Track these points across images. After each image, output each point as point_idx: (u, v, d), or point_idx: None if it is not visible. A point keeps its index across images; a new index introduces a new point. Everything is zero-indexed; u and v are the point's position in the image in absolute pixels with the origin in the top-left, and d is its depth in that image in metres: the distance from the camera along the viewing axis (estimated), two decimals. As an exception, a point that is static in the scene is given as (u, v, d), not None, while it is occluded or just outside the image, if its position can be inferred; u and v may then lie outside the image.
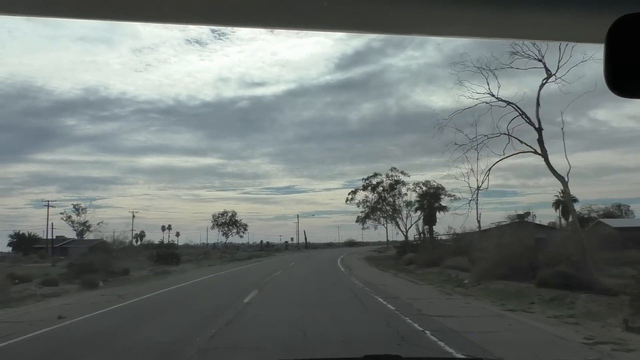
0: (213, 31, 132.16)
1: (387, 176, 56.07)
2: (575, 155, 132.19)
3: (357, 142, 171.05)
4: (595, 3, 1.02)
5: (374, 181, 56.37)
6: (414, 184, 54.53)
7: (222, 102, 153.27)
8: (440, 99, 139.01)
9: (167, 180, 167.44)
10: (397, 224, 55.57)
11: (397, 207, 54.84)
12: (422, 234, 59.57)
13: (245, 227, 58.90)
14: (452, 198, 52.18)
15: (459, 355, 6.70)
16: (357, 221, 62.37)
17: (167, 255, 40.46)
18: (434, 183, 55.54)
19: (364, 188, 54.68)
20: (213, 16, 1.21)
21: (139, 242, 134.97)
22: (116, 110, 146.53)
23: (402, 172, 55.47)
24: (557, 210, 65.20)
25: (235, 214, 56.87)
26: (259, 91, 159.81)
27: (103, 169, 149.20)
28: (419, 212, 57.23)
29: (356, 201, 60.05)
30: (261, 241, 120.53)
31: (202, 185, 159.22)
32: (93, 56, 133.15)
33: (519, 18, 1.14)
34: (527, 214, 52.92)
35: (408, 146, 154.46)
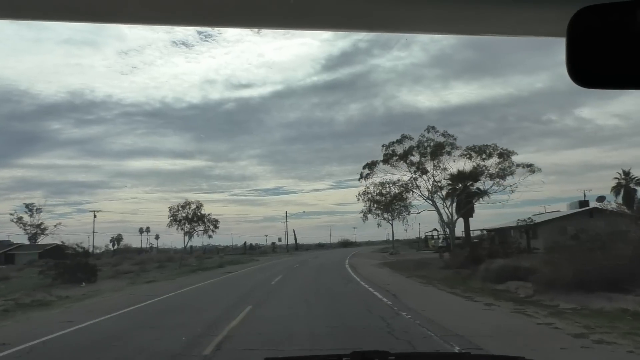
0: (199, 33, 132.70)
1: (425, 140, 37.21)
2: (561, 153, 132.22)
3: (344, 143, 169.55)
4: None
5: (400, 150, 37.60)
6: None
7: (208, 104, 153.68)
8: (426, 99, 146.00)
9: (155, 183, 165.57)
10: (439, 212, 39.33)
11: (438, 185, 38.16)
12: (447, 230, 45.32)
13: (215, 223, 43.49)
14: (495, 182, 37.94)
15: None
16: (365, 214, 48.36)
17: (79, 267, 25.12)
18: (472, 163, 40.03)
19: (387, 159, 37.92)
20: (197, 17, 1.22)
21: (115, 247, 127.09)
22: (102, 114, 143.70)
23: (444, 134, 37.27)
24: (618, 197, 51.04)
25: (201, 205, 41.59)
26: (245, 93, 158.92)
27: (89, 173, 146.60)
28: (448, 201, 42.49)
29: (367, 188, 45.38)
30: (244, 243, 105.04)
31: (190, 188, 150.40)
32: (78, 59, 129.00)
33: (480, 13, 1.15)
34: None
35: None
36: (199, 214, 42.37)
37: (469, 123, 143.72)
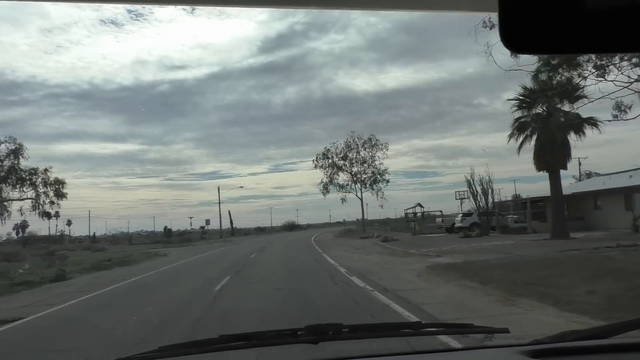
0: (129, 12, 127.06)
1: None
2: (491, 136, 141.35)
3: (282, 126, 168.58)
4: None
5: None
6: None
7: (141, 86, 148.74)
8: (363, 82, 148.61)
9: (85, 168, 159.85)
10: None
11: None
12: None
13: (58, 187, 21.45)
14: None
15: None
16: (326, 185, 54.69)
17: None
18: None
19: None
20: None
21: (19, 235, 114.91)
22: (25, 95, 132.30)
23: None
24: None
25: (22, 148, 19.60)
26: (180, 74, 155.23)
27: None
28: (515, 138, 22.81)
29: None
30: (165, 227, 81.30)
31: (123, 173, 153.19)
32: None
33: None
34: None
35: (333, 129, 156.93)
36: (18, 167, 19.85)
37: (404, 107, 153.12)
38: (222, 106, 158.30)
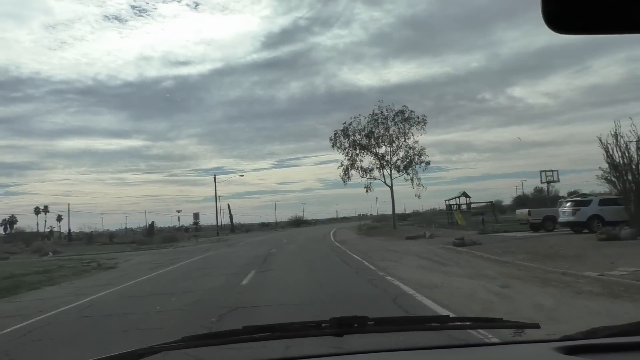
0: (133, 7, 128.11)
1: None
2: (494, 131, 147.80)
3: (286, 121, 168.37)
4: None
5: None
6: None
7: (145, 82, 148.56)
8: (366, 77, 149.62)
9: (89, 164, 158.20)
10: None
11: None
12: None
13: None
14: None
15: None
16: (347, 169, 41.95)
17: None
18: None
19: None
20: None
21: (7, 231, 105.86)
22: (29, 91, 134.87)
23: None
24: None
25: None
26: (184, 70, 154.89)
27: (18, 153, 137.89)
28: None
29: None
30: (149, 224, 68.62)
31: (127, 169, 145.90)
32: (1, 32, 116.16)
33: None
34: None
35: (337, 124, 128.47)
36: None
37: (408, 101, 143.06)
38: (226, 102, 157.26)
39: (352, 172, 45.68)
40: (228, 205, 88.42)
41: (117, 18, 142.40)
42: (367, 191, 45.93)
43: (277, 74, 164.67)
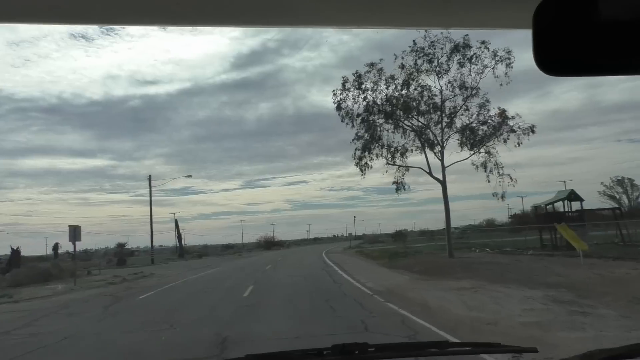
0: (100, 26, 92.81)
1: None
2: (461, 153, 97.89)
3: (254, 142, 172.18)
4: None
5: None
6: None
7: (111, 101, 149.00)
8: (335, 99, 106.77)
9: (52, 183, 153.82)
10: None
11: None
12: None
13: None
14: None
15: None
16: (361, 154, 25.25)
17: None
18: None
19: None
20: (96, 15, 1.09)
21: None
22: None
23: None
24: None
25: None
26: (151, 90, 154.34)
27: None
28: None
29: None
30: (55, 245, 45.99)
31: (91, 188, 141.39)
32: None
33: (443, 5, 1.08)
34: None
35: (305, 145, 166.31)
36: None
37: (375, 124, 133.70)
38: (195, 122, 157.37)
39: (373, 156, 25.92)
40: (175, 220, 67.01)
41: (83, 36, 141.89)
42: (398, 190, 26.19)
43: (246, 94, 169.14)
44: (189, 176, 45.98)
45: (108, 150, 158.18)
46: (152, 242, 47.65)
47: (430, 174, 25.55)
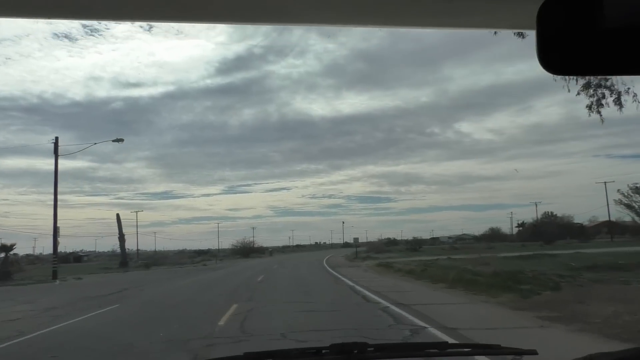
0: (84, 26, 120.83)
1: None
2: (442, 165, 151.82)
3: (237, 148, 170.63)
4: None
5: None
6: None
7: (93, 102, 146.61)
8: (319, 107, 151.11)
9: (30, 184, 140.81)
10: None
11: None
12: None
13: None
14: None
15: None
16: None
17: None
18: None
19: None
20: (82, 10, 1.04)
21: None
22: None
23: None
24: None
25: None
26: (134, 92, 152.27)
27: None
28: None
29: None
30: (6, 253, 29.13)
31: (71, 190, 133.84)
32: None
33: (446, 5, 1.06)
34: None
35: (289, 152, 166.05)
36: None
37: (359, 132, 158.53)
38: (177, 126, 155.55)
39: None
40: (117, 215, 49.79)
41: (67, 36, 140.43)
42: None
43: (230, 100, 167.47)
44: (120, 140, 31.28)
45: (88, 152, 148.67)
46: (55, 243, 30.42)
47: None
